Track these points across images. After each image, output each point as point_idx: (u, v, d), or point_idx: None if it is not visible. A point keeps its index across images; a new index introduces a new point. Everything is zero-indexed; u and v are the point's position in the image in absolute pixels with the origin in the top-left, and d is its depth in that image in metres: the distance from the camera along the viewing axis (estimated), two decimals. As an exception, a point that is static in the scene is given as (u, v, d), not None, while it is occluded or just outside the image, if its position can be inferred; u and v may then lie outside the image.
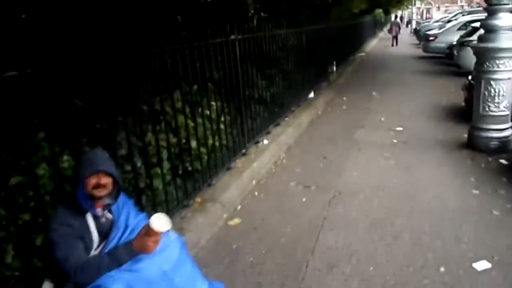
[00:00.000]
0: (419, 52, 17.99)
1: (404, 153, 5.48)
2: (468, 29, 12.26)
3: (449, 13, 44.42)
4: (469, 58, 11.32)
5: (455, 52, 12.16)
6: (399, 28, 25.83)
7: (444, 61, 14.81)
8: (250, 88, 5.82)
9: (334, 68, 11.77)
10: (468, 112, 7.05)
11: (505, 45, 4.99)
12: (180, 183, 3.76)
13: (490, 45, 5.06)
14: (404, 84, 10.63)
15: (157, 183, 3.40)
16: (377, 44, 26.68)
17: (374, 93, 9.44)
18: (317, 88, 9.37)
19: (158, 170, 3.44)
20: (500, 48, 5.00)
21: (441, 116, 7.32)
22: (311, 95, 8.69)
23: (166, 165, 3.55)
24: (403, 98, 8.88)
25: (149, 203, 3.30)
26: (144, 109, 3.48)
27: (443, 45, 15.65)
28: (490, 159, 5.13)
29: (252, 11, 8.47)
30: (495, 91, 5.15)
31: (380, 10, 38.42)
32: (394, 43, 24.72)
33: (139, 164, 3.30)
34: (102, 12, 4.51)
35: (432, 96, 9.03)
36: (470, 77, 7.39)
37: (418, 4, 56.05)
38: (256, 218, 3.84)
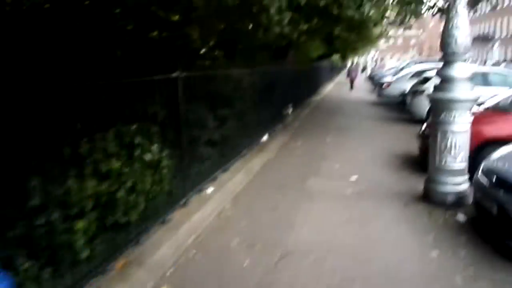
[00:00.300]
0: (374, 98, 18.38)
1: (359, 206, 5.10)
2: (420, 78, 12.54)
3: (402, 61, 46.81)
4: (422, 107, 11.55)
5: (408, 100, 12.34)
6: (356, 73, 27.58)
7: (397, 108, 15.08)
8: (198, 129, 5.35)
9: (290, 111, 11.57)
10: (422, 161, 6.89)
11: (461, 96, 4.83)
12: (100, 242, 3.15)
13: (446, 95, 4.89)
14: (359, 130, 10.54)
15: (76, 240, 2.80)
16: (333, 88, 27.26)
17: (329, 139, 9.21)
18: (272, 130, 9.04)
19: (79, 224, 2.84)
20: (456, 99, 4.83)
21: (396, 164, 7.10)
22: (265, 138, 8.32)
23: (87, 219, 2.96)
24: (358, 145, 8.69)
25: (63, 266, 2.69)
26: (67, 151, 2.94)
27: (396, 92, 15.99)
28: (447, 214, 4.83)
29: (205, 49, 8.14)
30: (451, 143, 4.94)
31: (337, 56, 39.86)
32: (351, 87, 25.86)
33: (54, 216, 2.72)
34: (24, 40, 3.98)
35: (386, 143, 8.90)
36: (424, 127, 7.29)
37: (372, 52, 58.74)
38: (188, 287, 3.25)
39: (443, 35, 4.93)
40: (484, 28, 69.45)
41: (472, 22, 62.48)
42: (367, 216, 4.76)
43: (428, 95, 5.39)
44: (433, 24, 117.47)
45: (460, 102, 4.83)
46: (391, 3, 11.82)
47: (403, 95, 14.50)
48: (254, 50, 10.70)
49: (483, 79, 11.07)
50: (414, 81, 16.08)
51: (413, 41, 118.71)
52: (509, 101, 6.89)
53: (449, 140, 4.94)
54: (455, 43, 4.77)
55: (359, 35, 18.76)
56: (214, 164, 5.60)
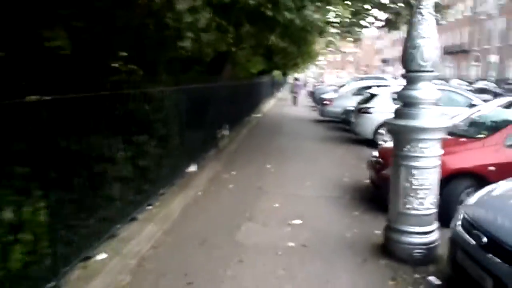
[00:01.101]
0: (316, 115, 17.59)
1: (304, 267, 3.87)
2: (365, 95, 11.79)
3: (340, 77, 47.51)
4: (368, 126, 10.77)
5: (352, 119, 11.52)
6: (299, 89, 27.68)
7: (340, 126, 14.32)
8: (94, 164, 3.95)
9: (227, 132, 10.30)
10: (376, 195, 5.87)
11: (429, 124, 3.78)
12: None
13: (411, 123, 3.82)
14: (302, 153, 9.45)
15: None
16: (275, 104, 26.44)
17: (268, 165, 8.00)
18: (203, 157, 7.70)
19: None
20: (423, 127, 3.78)
21: (345, 199, 6.01)
22: (194, 168, 6.96)
23: None
24: (301, 172, 7.55)
25: None
26: None
27: (338, 109, 15.30)
28: (416, 275, 3.74)
29: (118, 64, 6.67)
30: (418, 183, 3.87)
31: (278, 72, 39.46)
32: (295, 103, 25.77)
33: None
34: None
35: (333, 169, 7.86)
36: (376, 153, 6.30)
37: (312, 68, 59.42)
38: None
39: (405, 48, 3.89)
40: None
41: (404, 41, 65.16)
42: (316, 284, 3.54)
43: (388, 123, 4.31)
44: (368, 42, 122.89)
45: (428, 132, 3.78)
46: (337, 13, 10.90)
47: (346, 112, 13.79)
48: (181, 64, 9.35)
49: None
50: (357, 98, 15.53)
51: (350, 58, 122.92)
52: (469, 123, 6.06)
53: (415, 179, 3.87)
54: (421, 57, 3.74)
55: (300, 48, 18.05)
56: (114, 214, 4.17)
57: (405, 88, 3.98)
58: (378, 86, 16.29)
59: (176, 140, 6.36)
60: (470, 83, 40.61)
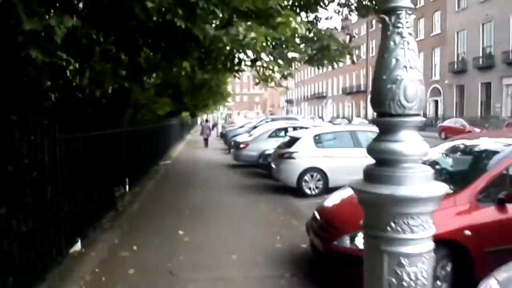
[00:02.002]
0: (229, 159, 16.32)
1: None
2: (286, 139, 10.77)
3: (249, 118, 47.52)
4: (291, 173, 9.68)
5: (273, 164, 10.39)
6: (210, 130, 26.86)
7: (258, 171, 13.18)
8: None
9: (127, 188, 8.50)
10: (320, 265, 4.60)
11: (422, 192, 2.58)
12: None
13: (397, 191, 2.59)
14: (221, 211, 7.97)
15: None
16: (185, 148, 24.79)
17: (181, 232, 6.37)
18: (94, 227, 5.87)
19: None
20: (415, 197, 2.56)
21: (286, 280, 4.61)
22: (76, 247, 5.12)
23: None
24: (224, 240, 6.05)
25: None
26: None
27: (254, 153, 14.23)
28: None
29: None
30: (409, 278, 2.62)
31: (187, 113, 38.08)
32: (206, 145, 25.20)
33: None
34: None
35: (261, 232, 6.48)
36: (316, 216, 5.06)
37: (221, 109, 59.03)
38: None
39: (378, 83, 2.70)
40: (318, 87, 76.95)
41: (307, 82, 67.79)
42: None
43: (359, 191, 3.06)
44: (273, 84, 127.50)
45: (422, 203, 2.59)
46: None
47: (264, 156, 12.72)
48: (69, 106, 7.53)
49: (352, 139, 9.79)
50: (274, 140, 14.63)
51: (257, 99, 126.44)
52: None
53: (405, 272, 2.62)
54: (404, 96, 2.55)
55: (211, 89, 16.94)
56: None
57: (380, 139, 2.77)
58: (295, 128, 15.70)
59: (51, 208, 4.55)
60: (371, 121, 43.27)
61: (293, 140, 9.91)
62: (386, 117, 2.71)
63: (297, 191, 9.42)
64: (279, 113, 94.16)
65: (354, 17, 14.80)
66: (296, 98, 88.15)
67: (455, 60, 39.67)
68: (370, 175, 2.76)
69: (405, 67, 2.60)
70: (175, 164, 15.45)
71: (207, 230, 6.53)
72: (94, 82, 10.37)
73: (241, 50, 6.08)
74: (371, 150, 2.75)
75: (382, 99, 2.69)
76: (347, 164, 9.46)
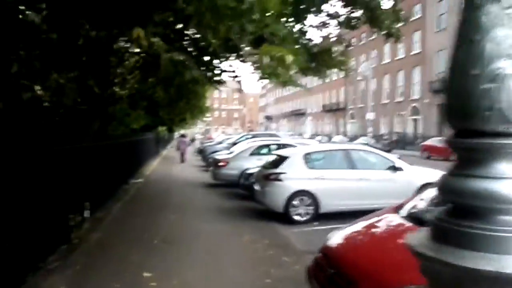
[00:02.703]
0: (207, 177, 15.12)
1: None
2: (271, 157, 9.67)
3: (227, 134, 46.38)
4: (277, 196, 8.53)
5: (256, 186, 9.26)
6: (185, 145, 26.23)
7: (239, 192, 12.03)
8: None
9: (87, 214, 7.23)
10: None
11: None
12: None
13: (507, 268, 1.53)
14: (198, 243, 6.77)
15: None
16: (160, 164, 23.39)
17: (148, 274, 5.15)
18: (33, 272, 4.62)
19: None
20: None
21: None
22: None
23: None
24: (199, 286, 4.86)
25: None
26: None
27: (235, 172, 13.09)
28: None
29: None
30: None
31: (164, 127, 36.69)
32: (182, 160, 24.65)
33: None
34: None
35: (246, 274, 5.32)
36: (320, 259, 3.96)
37: (199, 124, 57.81)
38: None
39: (456, 83, 1.61)
40: (297, 104, 76.68)
41: (287, 98, 67.09)
42: None
43: (421, 253, 1.96)
44: (252, 100, 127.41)
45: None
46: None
47: (245, 176, 11.57)
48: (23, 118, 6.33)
49: (346, 159, 8.80)
50: (256, 158, 13.54)
51: (236, 115, 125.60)
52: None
53: None
54: (509, 100, 1.50)
55: (189, 102, 15.83)
56: None
57: (465, 174, 1.68)
58: (279, 145, 14.66)
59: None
60: (351, 139, 42.65)
61: (280, 159, 8.84)
62: (478, 137, 1.56)
63: (284, 217, 8.32)
64: (258, 129, 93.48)
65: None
66: (275, 114, 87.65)
67: (435, 79, 39.75)
68: (446, 230, 1.62)
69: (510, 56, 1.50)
70: (147, 183, 14.13)
71: (179, 270, 5.32)
72: (54, 90, 9.15)
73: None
74: (446, 190, 1.61)
75: (470, 108, 1.52)
76: (340, 188, 8.46)
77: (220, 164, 13.53)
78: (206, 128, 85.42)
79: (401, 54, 43.72)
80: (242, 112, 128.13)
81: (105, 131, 14.37)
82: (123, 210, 9.07)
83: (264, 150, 14.29)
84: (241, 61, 10.49)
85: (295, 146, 13.66)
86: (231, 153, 15.18)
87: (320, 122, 66.77)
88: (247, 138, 21.82)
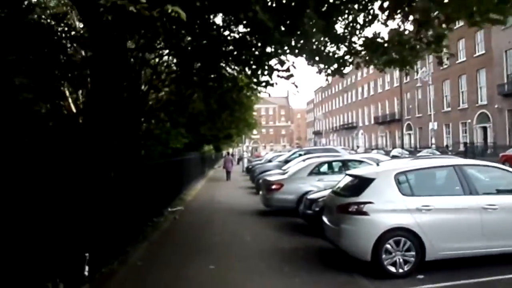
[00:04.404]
0: (257, 201, 12.63)
1: None
2: (345, 180, 6.97)
3: (276, 151, 43.93)
4: (363, 238, 5.58)
5: (327, 220, 6.65)
6: (232, 163, 26.98)
7: (297, 221, 9.47)
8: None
9: (85, 271, 4.96)
10: None
11: None
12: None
13: None
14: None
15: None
16: (205, 187, 21.23)
17: None
18: None
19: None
20: None
21: None
22: None
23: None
24: None
25: None
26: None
27: (291, 196, 10.59)
28: None
29: None
30: None
31: (211, 146, 34.89)
32: (228, 178, 25.48)
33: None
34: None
35: None
36: None
37: (247, 142, 55.92)
38: None
39: None
40: (347, 117, 73.10)
41: (336, 112, 63.59)
42: None
43: None
44: (299, 115, 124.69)
45: None
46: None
47: (306, 203, 8.96)
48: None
49: (459, 180, 6.04)
50: (317, 179, 10.93)
51: (283, 131, 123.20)
52: None
53: None
54: None
55: (233, 114, 13.58)
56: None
57: None
58: (344, 162, 11.97)
59: None
60: (411, 151, 38.75)
61: (360, 183, 6.19)
62: None
63: (374, 268, 5.66)
64: (307, 145, 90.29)
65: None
66: (324, 129, 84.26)
67: (505, 81, 35.39)
68: None
69: None
70: (187, 212, 11.83)
71: None
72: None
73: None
74: None
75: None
76: (455, 222, 5.71)
77: (273, 187, 11.02)
78: (253, 146, 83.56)
79: (462, 57, 39.57)
80: (290, 128, 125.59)
81: (135, 150, 12.38)
82: (146, 257, 6.68)
83: (325, 169, 11.68)
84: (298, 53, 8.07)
85: (366, 163, 10.95)
86: (285, 173, 12.66)
87: (373, 135, 62.83)
88: (300, 155, 19.22)
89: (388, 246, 5.63)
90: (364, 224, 5.69)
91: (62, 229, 4.62)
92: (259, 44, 7.53)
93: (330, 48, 9.15)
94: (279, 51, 7.89)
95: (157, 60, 11.66)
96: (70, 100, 10.47)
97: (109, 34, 6.32)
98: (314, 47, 8.14)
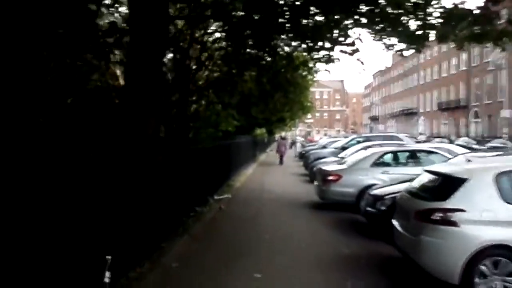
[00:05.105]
0: (311, 191, 11.49)
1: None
2: (424, 177, 5.64)
3: (331, 136, 42.15)
4: (450, 253, 4.48)
5: (402, 228, 5.41)
6: (285, 148, 27.01)
7: (357, 218, 8.29)
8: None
9: (108, 279, 4.15)
10: None
11: None
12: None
13: None
14: None
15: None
16: (256, 171, 20.37)
17: None
18: None
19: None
20: None
21: None
22: None
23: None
24: None
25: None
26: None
27: (351, 190, 9.43)
28: None
29: None
30: None
31: (263, 130, 34.00)
32: (280, 162, 25.29)
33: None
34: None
35: None
36: None
37: (300, 126, 54.50)
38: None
39: None
40: (407, 103, 69.25)
41: (395, 97, 59.84)
42: None
43: None
44: (355, 100, 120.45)
45: None
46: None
47: (370, 200, 7.73)
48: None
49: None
50: (381, 171, 9.61)
51: (338, 116, 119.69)
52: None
53: None
54: None
55: (288, 96, 12.42)
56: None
57: None
58: (412, 152, 10.52)
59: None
60: (479, 141, 35.48)
61: (447, 183, 4.88)
62: None
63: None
64: (362, 131, 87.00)
65: None
66: (382, 115, 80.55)
67: None
68: None
69: None
70: (234, 202, 10.94)
71: None
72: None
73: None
74: None
75: None
76: None
77: (330, 178, 9.84)
78: (307, 130, 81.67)
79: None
80: (345, 113, 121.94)
81: (183, 132, 11.62)
82: (183, 257, 5.78)
83: (390, 160, 10.29)
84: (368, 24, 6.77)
85: (441, 155, 9.48)
86: (342, 162, 11.40)
87: (435, 122, 58.97)
88: (358, 142, 17.76)
89: (483, 267, 4.35)
90: (453, 238, 4.43)
91: (82, 226, 3.82)
92: (320, 11, 6.30)
93: (404, 18, 7.73)
94: (345, 21, 6.63)
95: (206, 37, 10.69)
96: (118, 72, 9.67)
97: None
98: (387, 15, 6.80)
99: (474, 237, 4.37)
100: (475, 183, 4.62)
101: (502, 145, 28.85)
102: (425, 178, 5.61)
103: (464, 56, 49.08)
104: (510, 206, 4.44)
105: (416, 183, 5.72)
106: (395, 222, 5.63)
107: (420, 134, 53.06)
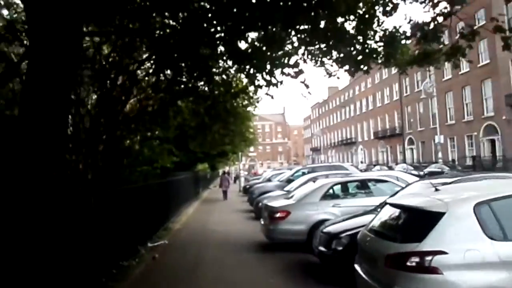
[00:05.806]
0: (257, 230, 10.45)
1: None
2: (387, 212, 4.78)
3: (275, 169, 41.68)
4: None
5: (368, 276, 4.48)
6: (228, 182, 26.66)
7: (311, 259, 7.34)
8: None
9: None
10: None
11: None
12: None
13: None
14: None
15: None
16: (198, 210, 19.00)
17: None
18: None
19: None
20: None
21: None
22: None
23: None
24: None
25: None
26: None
27: (301, 227, 8.54)
28: None
29: None
30: None
31: (206, 165, 32.84)
32: (225, 197, 25.08)
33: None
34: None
35: None
36: None
37: (243, 160, 53.83)
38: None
39: None
40: (346, 132, 71.15)
41: (334, 128, 61.26)
42: None
43: None
44: (296, 132, 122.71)
45: None
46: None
47: (324, 238, 6.80)
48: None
49: None
50: (332, 204, 8.80)
51: (280, 149, 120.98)
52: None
53: None
54: None
55: (226, 128, 11.49)
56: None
57: None
58: (361, 181, 9.85)
59: None
60: (416, 167, 36.48)
61: (418, 219, 4.04)
62: None
63: None
64: (305, 162, 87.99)
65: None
66: (322, 145, 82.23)
67: (512, 92, 33.56)
68: None
69: None
70: (171, 248, 9.58)
71: None
72: None
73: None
74: None
75: None
76: None
77: (277, 215, 8.87)
78: (250, 163, 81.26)
79: (465, 68, 37.52)
80: (287, 145, 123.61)
81: (114, 171, 10.20)
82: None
83: (340, 191, 9.54)
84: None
85: (392, 183, 8.88)
86: (289, 196, 10.51)
87: (373, 150, 60.81)
88: (304, 173, 17.11)
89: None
90: (434, 288, 3.56)
91: None
92: (259, 25, 5.50)
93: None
94: (286, 38, 5.87)
95: (135, 65, 9.61)
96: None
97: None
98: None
99: (460, 286, 3.52)
100: (453, 217, 3.82)
101: (439, 169, 29.73)
102: (388, 212, 4.78)
103: (396, 86, 51.49)
104: (496, 242, 3.67)
105: (378, 220, 4.87)
106: (358, 268, 4.71)
107: (361, 162, 54.26)
